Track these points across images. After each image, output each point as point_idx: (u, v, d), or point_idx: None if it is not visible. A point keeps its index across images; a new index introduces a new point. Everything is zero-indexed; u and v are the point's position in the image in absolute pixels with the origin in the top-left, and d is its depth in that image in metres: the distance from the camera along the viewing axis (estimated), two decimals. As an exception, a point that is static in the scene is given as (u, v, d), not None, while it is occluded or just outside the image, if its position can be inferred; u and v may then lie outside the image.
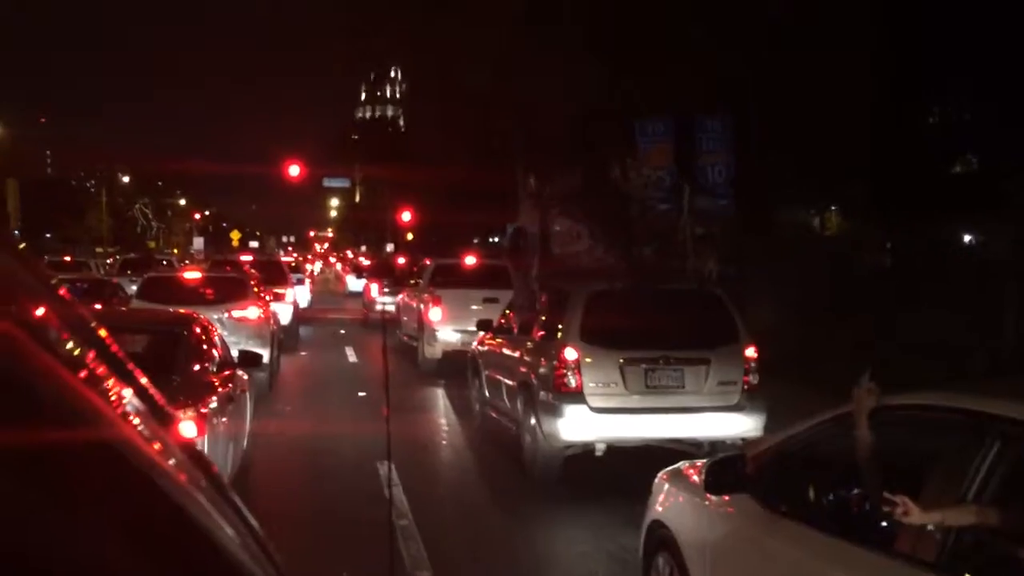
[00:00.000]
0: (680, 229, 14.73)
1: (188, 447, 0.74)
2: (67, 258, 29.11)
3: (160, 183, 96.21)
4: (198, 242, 48.64)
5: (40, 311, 0.59)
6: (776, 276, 16.55)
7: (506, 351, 9.15)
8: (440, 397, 12.58)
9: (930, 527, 2.75)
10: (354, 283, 35.24)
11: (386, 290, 21.07)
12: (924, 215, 19.15)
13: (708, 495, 3.79)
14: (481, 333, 10.43)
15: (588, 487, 7.53)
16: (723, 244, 16.27)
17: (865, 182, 19.76)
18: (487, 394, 9.67)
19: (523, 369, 8.34)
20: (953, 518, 2.69)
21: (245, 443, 7.32)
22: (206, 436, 5.13)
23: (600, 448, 7.59)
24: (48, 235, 63.83)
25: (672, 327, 7.82)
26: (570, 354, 7.48)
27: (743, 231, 18.47)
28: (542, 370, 7.80)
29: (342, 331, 21.79)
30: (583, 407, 7.38)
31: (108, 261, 36.48)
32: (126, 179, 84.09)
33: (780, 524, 3.37)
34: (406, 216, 40.01)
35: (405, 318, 16.62)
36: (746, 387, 7.65)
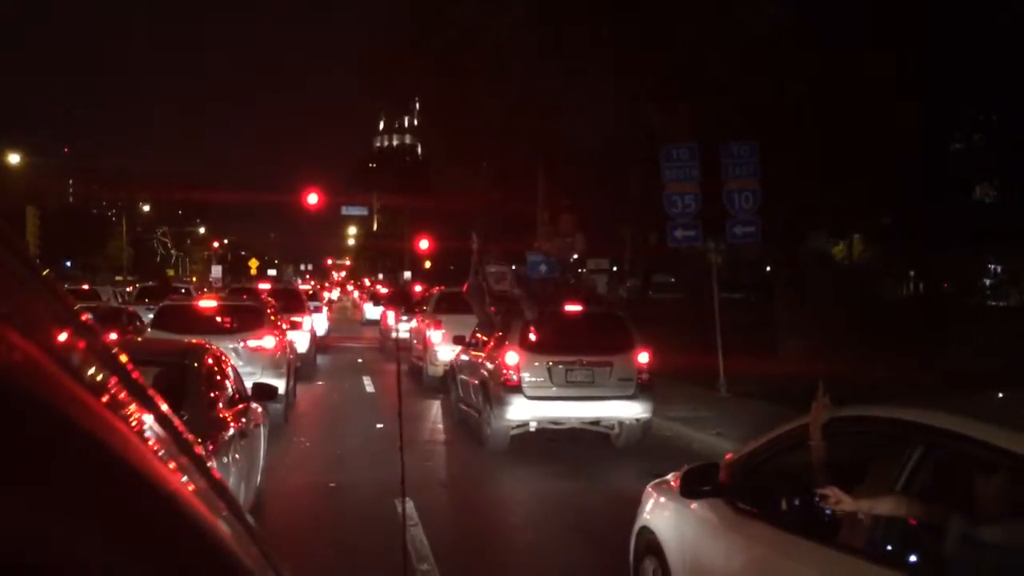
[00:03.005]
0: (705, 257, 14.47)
1: (208, 474, 0.75)
2: (84, 286, 29.10)
3: (180, 212, 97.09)
4: (216, 270, 48.67)
5: (63, 336, 0.60)
6: (803, 305, 16.20)
7: (472, 360, 11.82)
8: (437, 407, 14.08)
9: (860, 516, 3.23)
10: (371, 311, 35.10)
11: (403, 318, 20.89)
12: (949, 243, 18.78)
13: (690, 502, 4.26)
14: (459, 348, 13.04)
15: (526, 453, 10.38)
16: (750, 271, 15.99)
17: (889, 210, 19.43)
18: (460, 393, 12.34)
19: (483, 371, 11.02)
20: (878, 507, 3.16)
21: (259, 479, 7.00)
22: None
23: (533, 425, 10.47)
24: (68, 263, 64.32)
25: (585, 339, 10.54)
26: (512, 359, 10.25)
27: (768, 259, 18.16)
28: (494, 371, 10.52)
29: (359, 360, 21.55)
30: (521, 396, 10.15)
31: (128, 289, 36.51)
32: (146, 208, 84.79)
33: (747, 524, 3.81)
34: (423, 244, 39.95)
35: (415, 341, 17.99)
36: (639, 382, 10.37)
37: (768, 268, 23.57)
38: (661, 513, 4.73)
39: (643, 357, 10.43)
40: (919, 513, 3.05)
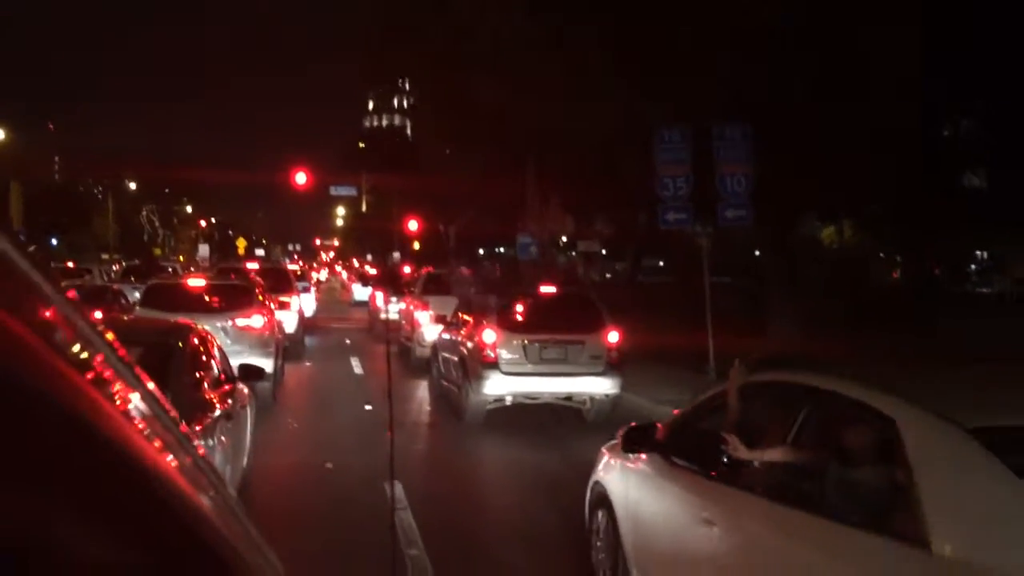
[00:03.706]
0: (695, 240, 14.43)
1: (193, 451, 0.74)
2: (70, 264, 28.83)
3: (167, 190, 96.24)
4: (203, 249, 48.44)
5: (48, 312, 0.60)
6: (794, 289, 16.21)
7: (453, 338, 12.32)
8: (424, 388, 14.22)
9: (755, 463, 3.91)
10: (360, 292, 34.98)
11: (392, 299, 20.80)
12: (938, 229, 18.84)
13: (634, 458, 4.86)
14: (440, 327, 13.63)
15: (509, 433, 10.78)
16: (739, 255, 16.04)
17: (880, 195, 19.44)
18: (442, 370, 12.90)
19: (462, 349, 11.56)
20: (767, 455, 3.84)
21: (245, 461, 6.93)
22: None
23: (508, 400, 10.94)
24: (54, 241, 63.76)
25: (558, 318, 11.15)
26: (489, 337, 10.78)
27: (758, 243, 18.13)
28: (472, 348, 11.07)
29: (347, 340, 21.46)
30: (498, 372, 10.69)
31: (114, 268, 36.24)
32: (133, 186, 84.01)
33: (678, 474, 4.42)
34: (412, 225, 39.79)
35: (404, 322, 18.18)
36: (609, 360, 10.89)
37: (757, 252, 23.60)
38: (610, 470, 5.30)
39: (613, 336, 10.99)
40: (802, 459, 3.70)
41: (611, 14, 15.27)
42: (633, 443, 4.72)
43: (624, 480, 5.00)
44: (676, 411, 5.41)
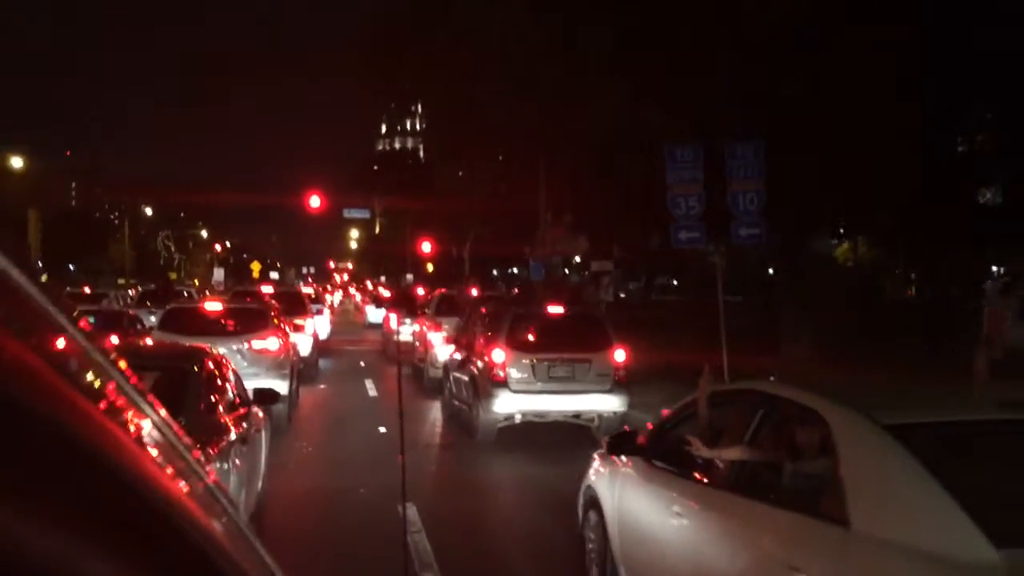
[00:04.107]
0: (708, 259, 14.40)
1: (205, 478, 0.75)
2: (86, 289, 29.04)
3: (182, 214, 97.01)
4: (218, 273, 48.61)
5: (60, 341, 0.60)
6: (806, 308, 16.12)
7: (463, 358, 12.47)
8: (437, 409, 14.24)
9: (718, 462, 4.38)
10: (374, 314, 35.03)
11: (405, 321, 20.83)
12: (952, 246, 18.70)
13: (620, 462, 5.36)
14: (452, 347, 13.81)
15: (521, 452, 10.84)
16: (752, 274, 15.97)
17: (893, 212, 19.34)
18: (453, 390, 12.97)
19: (472, 369, 11.74)
20: (725, 454, 4.32)
21: (260, 485, 6.94)
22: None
23: (518, 418, 11.01)
24: (71, 266, 64.31)
25: (566, 337, 11.38)
26: (498, 356, 11.01)
27: (771, 261, 18.04)
28: (482, 368, 11.27)
29: (362, 363, 21.48)
30: (507, 391, 10.87)
31: (130, 293, 36.44)
32: (149, 211, 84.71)
33: (653, 473, 4.92)
34: (426, 247, 39.89)
35: (417, 343, 18.25)
36: (616, 377, 11.05)
37: (771, 271, 23.50)
38: (599, 474, 5.78)
39: (619, 355, 11.18)
40: (758, 456, 4.14)
41: (611, 13, 15.33)
42: (616, 448, 5.26)
43: (611, 482, 5.47)
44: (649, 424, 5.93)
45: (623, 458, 5.32)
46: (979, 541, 2.78)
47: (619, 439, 5.28)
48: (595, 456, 6.05)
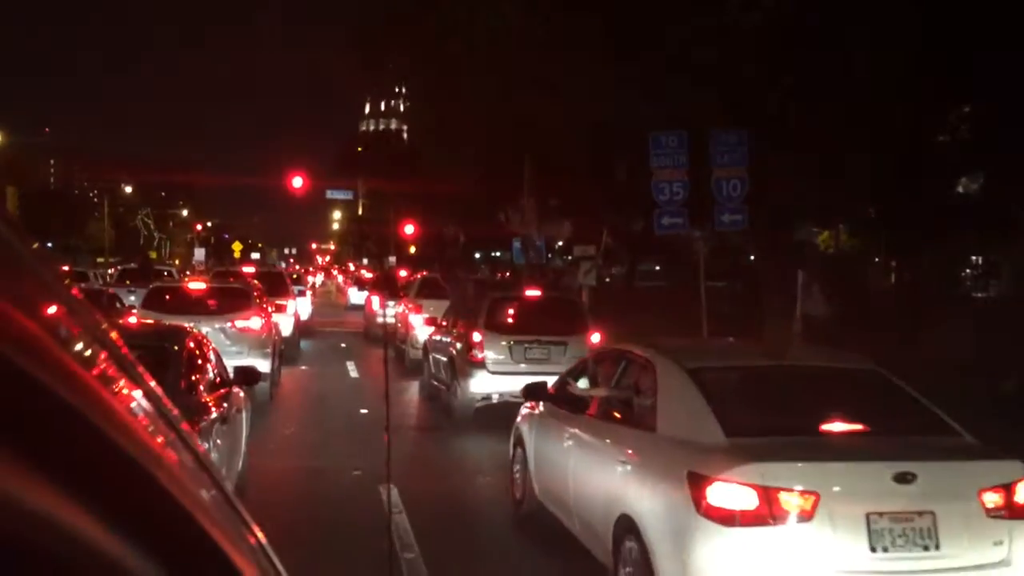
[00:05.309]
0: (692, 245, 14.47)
1: (194, 449, 0.75)
2: (65, 267, 28.68)
3: (163, 193, 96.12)
4: (199, 253, 48.36)
5: (54, 307, 0.60)
6: (788, 294, 16.23)
7: (443, 339, 12.80)
8: (418, 389, 14.29)
9: (590, 397, 6.19)
10: (356, 296, 34.90)
11: (388, 303, 20.79)
12: (932, 235, 18.83)
13: (536, 407, 7.02)
14: (431, 329, 14.10)
15: (494, 429, 10.51)
16: (734, 260, 16.03)
17: (874, 201, 19.46)
18: (432, 370, 13.29)
19: (451, 349, 12.04)
20: (594, 392, 6.22)
21: (240, 464, 6.92)
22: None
23: (495, 398, 11.15)
24: (49, 244, 63.63)
25: (543, 320, 11.80)
26: (477, 337, 11.30)
27: (753, 248, 18.12)
28: (461, 349, 11.59)
29: (343, 344, 21.44)
30: (485, 371, 11.17)
31: (110, 271, 36.09)
32: (129, 190, 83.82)
33: (559, 413, 6.43)
34: (409, 229, 39.75)
35: (400, 325, 18.43)
36: None
37: (752, 257, 23.59)
38: (523, 417, 7.32)
39: (595, 338, 11.51)
40: (613, 393, 5.90)
41: (600, 10, 15.31)
42: (531, 394, 6.84)
43: (530, 424, 7.07)
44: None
45: (541, 405, 6.84)
46: (719, 433, 4.52)
47: (533, 387, 6.74)
48: (522, 406, 7.43)
